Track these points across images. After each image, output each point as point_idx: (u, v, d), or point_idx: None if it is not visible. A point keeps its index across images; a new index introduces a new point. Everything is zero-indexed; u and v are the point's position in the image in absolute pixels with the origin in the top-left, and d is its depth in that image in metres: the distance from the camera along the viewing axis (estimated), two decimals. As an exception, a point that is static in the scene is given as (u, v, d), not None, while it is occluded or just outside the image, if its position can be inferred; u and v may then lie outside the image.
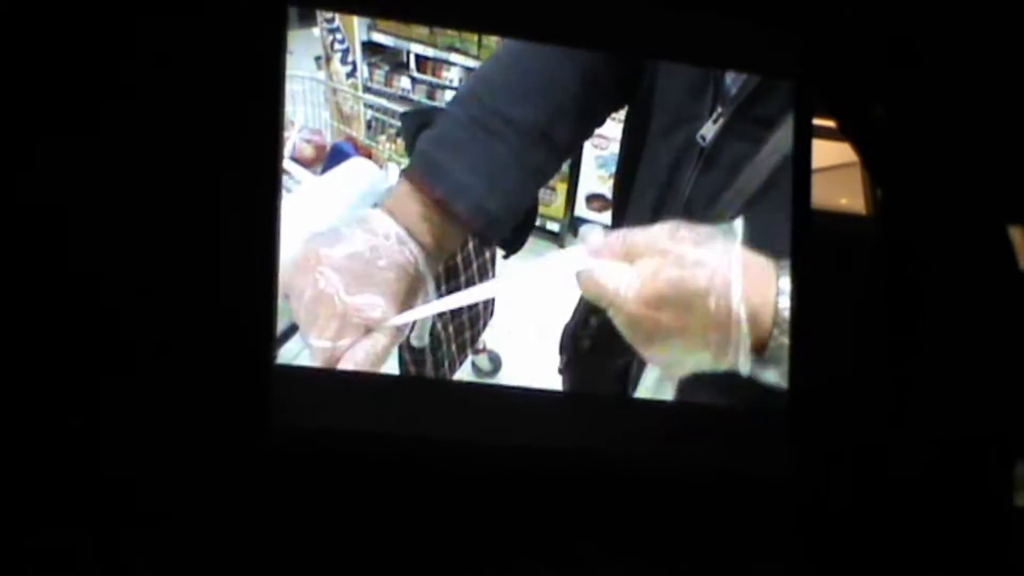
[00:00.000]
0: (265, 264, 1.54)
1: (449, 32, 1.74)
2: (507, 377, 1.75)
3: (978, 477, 1.73)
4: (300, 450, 1.56)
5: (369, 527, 1.58)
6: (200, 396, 1.54)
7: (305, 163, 1.65)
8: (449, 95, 1.74)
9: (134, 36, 1.58)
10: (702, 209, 1.58)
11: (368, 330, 1.48)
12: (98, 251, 1.55)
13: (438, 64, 1.76)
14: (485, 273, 1.67)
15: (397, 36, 1.77)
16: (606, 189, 1.74)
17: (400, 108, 1.74)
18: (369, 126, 1.73)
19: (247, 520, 1.52)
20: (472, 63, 1.73)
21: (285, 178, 1.60)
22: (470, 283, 1.65)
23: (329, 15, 1.73)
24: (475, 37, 1.73)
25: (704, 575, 1.68)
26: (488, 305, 1.70)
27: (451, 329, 1.66)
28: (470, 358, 1.77)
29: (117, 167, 1.57)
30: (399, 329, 1.50)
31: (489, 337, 1.77)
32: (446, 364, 1.69)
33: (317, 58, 1.73)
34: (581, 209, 1.74)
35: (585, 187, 1.74)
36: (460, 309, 1.64)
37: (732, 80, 1.62)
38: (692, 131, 1.59)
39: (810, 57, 1.76)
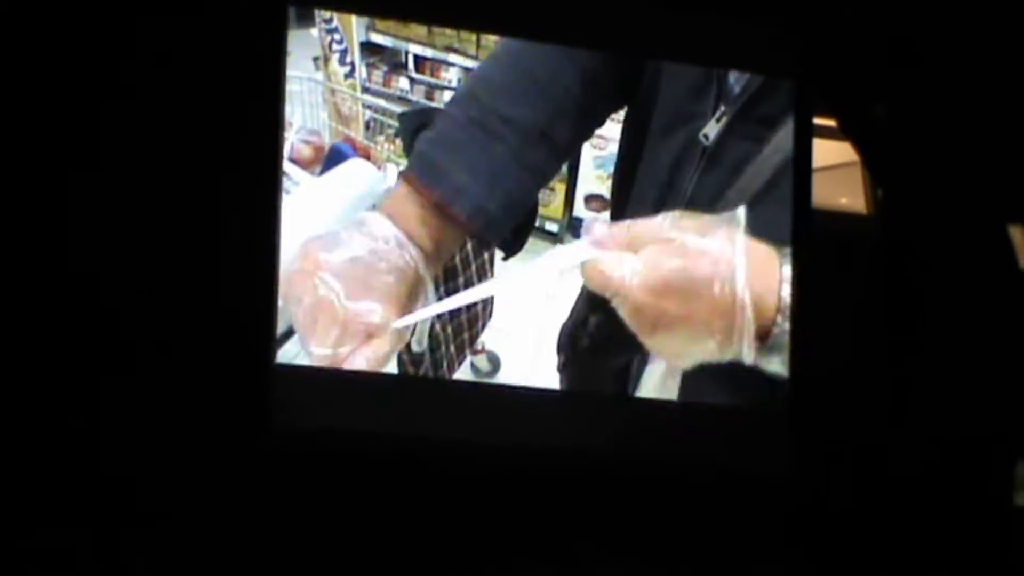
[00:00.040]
0: (265, 264, 1.54)
1: (447, 32, 1.74)
2: (506, 378, 1.76)
3: (978, 477, 1.73)
4: (300, 450, 1.57)
5: (369, 527, 1.58)
6: (200, 396, 1.54)
7: (303, 164, 1.65)
8: (448, 95, 1.74)
9: (134, 36, 1.58)
10: (704, 208, 1.56)
11: (369, 336, 1.48)
12: (98, 251, 1.55)
13: (436, 64, 1.75)
14: (484, 273, 1.67)
15: (395, 36, 1.77)
16: (604, 189, 1.74)
17: (399, 108, 1.74)
18: (367, 127, 1.73)
19: (247, 520, 1.52)
20: (471, 63, 1.73)
21: (283, 179, 1.60)
22: (469, 284, 1.65)
23: (327, 15, 1.72)
24: (473, 37, 1.73)
25: (704, 575, 1.68)
26: (487, 306, 1.70)
27: (449, 330, 1.66)
28: (469, 359, 1.77)
29: (117, 167, 1.57)
30: (399, 335, 1.50)
31: (488, 338, 1.77)
32: (445, 365, 1.69)
33: (315, 58, 1.73)
34: (580, 209, 1.74)
35: (583, 187, 1.74)
36: (459, 310, 1.64)
37: (736, 79, 1.62)
38: (694, 130, 1.58)
39: (810, 57, 1.76)
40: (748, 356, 1.45)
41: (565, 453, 1.66)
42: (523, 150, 1.53)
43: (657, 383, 1.69)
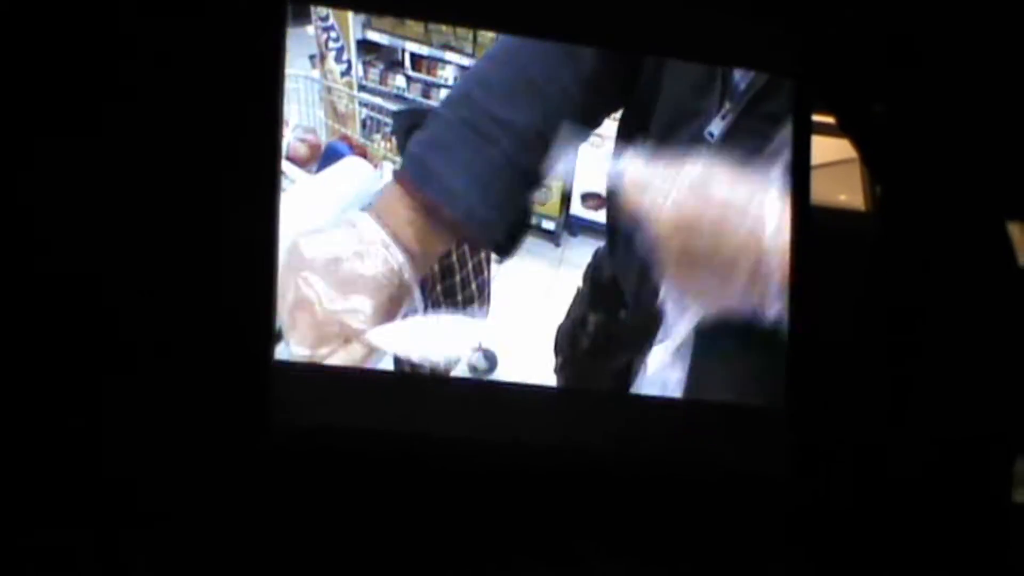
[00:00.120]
0: (264, 263, 1.55)
1: (444, 30, 1.74)
2: (502, 376, 1.75)
3: (977, 474, 1.73)
4: (299, 448, 1.57)
5: (368, 524, 1.58)
6: (200, 395, 1.54)
7: (299, 162, 1.65)
8: (444, 93, 1.73)
9: (134, 36, 1.58)
10: None
11: (346, 340, 1.48)
12: (98, 251, 1.56)
13: (433, 62, 1.75)
14: (480, 272, 1.67)
15: (392, 34, 1.76)
16: (601, 187, 1.73)
17: (395, 107, 1.74)
18: (364, 125, 1.73)
19: (247, 519, 1.52)
20: (467, 61, 1.72)
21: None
22: (464, 283, 1.65)
23: (324, 13, 1.72)
24: (470, 35, 1.72)
25: (704, 574, 1.68)
26: (483, 305, 1.70)
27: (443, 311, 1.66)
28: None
29: (117, 167, 1.57)
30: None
31: (483, 335, 1.76)
32: (441, 362, 1.69)
33: (311, 56, 1.73)
34: (577, 207, 1.74)
35: (581, 185, 1.73)
36: (454, 306, 1.64)
37: (741, 76, 1.62)
38: (698, 128, 1.59)
39: (810, 55, 1.75)
40: (772, 309, 1.47)
41: (563, 451, 1.66)
42: (517, 152, 1.53)
43: (662, 371, 1.68)
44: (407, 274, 1.50)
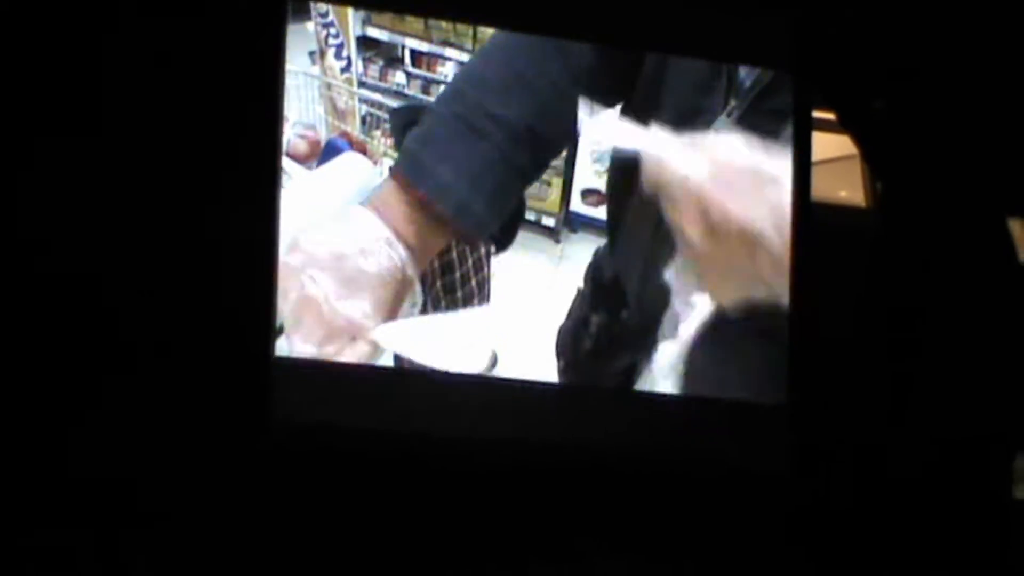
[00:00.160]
0: (264, 261, 1.54)
1: (444, 26, 1.73)
2: (503, 374, 1.75)
3: (978, 471, 1.73)
4: (300, 446, 1.57)
5: (369, 522, 1.58)
6: (200, 393, 1.54)
7: (299, 159, 1.64)
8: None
9: (133, 35, 1.58)
10: None
11: (353, 338, 1.48)
12: (98, 251, 1.55)
13: (433, 59, 1.74)
14: (480, 268, 1.67)
15: (392, 31, 1.76)
16: (601, 183, 1.73)
17: (395, 103, 1.73)
18: (364, 121, 1.72)
19: (247, 518, 1.52)
20: (467, 57, 1.72)
21: (278, 174, 1.60)
22: (464, 279, 1.65)
23: (323, 9, 1.71)
24: (470, 31, 1.72)
25: (704, 572, 1.68)
26: (483, 302, 1.70)
27: (443, 306, 1.65)
28: (464, 353, 1.76)
29: (117, 166, 1.57)
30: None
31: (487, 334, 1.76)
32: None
33: (311, 53, 1.72)
34: (576, 204, 1.73)
35: (580, 182, 1.73)
36: (455, 305, 1.64)
37: (747, 73, 1.62)
38: (704, 126, 1.58)
39: (809, 51, 1.75)
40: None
41: (565, 448, 1.66)
42: (510, 148, 1.53)
43: (670, 364, 1.68)
44: (409, 270, 1.50)
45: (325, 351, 1.49)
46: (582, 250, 1.71)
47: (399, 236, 1.49)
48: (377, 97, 1.74)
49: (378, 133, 1.71)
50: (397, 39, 1.76)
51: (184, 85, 1.59)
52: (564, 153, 1.71)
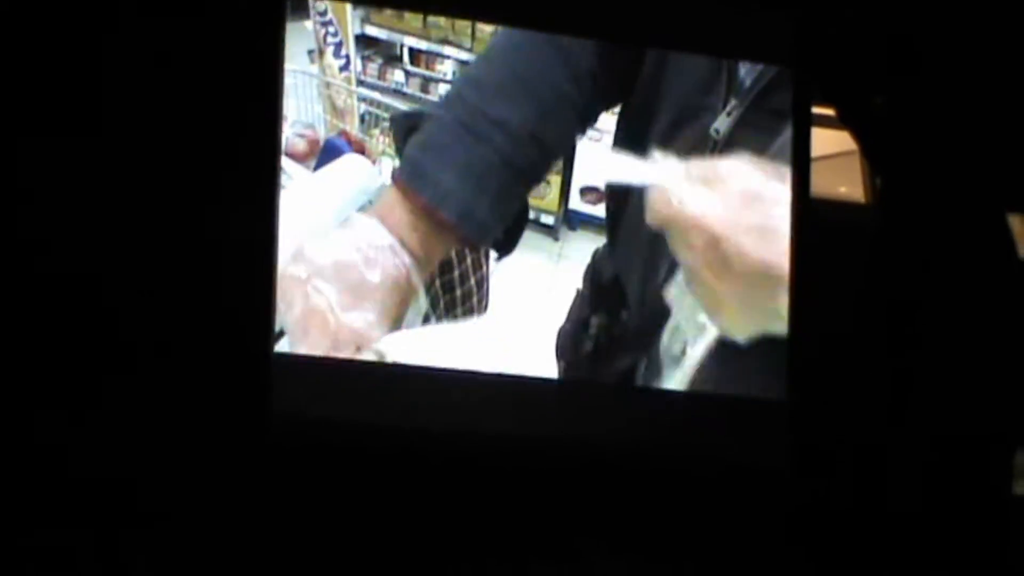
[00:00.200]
0: (264, 258, 1.54)
1: (442, 24, 1.73)
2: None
3: (978, 466, 1.73)
4: (299, 443, 1.57)
5: (369, 517, 1.58)
6: (200, 392, 1.54)
7: (297, 158, 1.64)
8: (443, 88, 1.74)
9: (133, 35, 1.58)
10: None
11: (358, 348, 1.49)
12: (98, 250, 1.55)
13: (431, 57, 1.74)
14: (478, 267, 1.67)
15: (391, 29, 1.76)
16: (600, 182, 1.73)
17: (394, 102, 1.73)
18: (362, 120, 1.72)
19: (247, 517, 1.53)
20: (466, 56, 1.72)
21: (276, 174, 1.60)
22: (463, 278, 1.65)
23: (322, 8, 1.71)
24: (468, 29, 1.72)
25: (703, 570, 1.68)
26: (481, 300, 1.70)
27: (442, 305, 1.65)
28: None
29: (117, 166, 1.57)
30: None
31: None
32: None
33: (310, 51, 1.73)
34: (575, 202, 1.73)
35: (579, 179, 1.73)
36: (453, 304, 1.64)
37: (747, 71, 1.61)
38: (704, 125, 1.58)
39: (809, 47, 1.75)
40: None
41: (565, 444, 1.66)
42: (512, 152, 1.53)
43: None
44: (414, 278, 1.51)
45: None
46: (581, 248, 1.71)
47: (403, 244, 1.49)
48: (376, 95, 1.75)
49: (377, 131, 1.71)
50: (396, 37, 1.76)
51: (184, 85, 1.59)
52: (562, 152, 1.71)
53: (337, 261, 1.48)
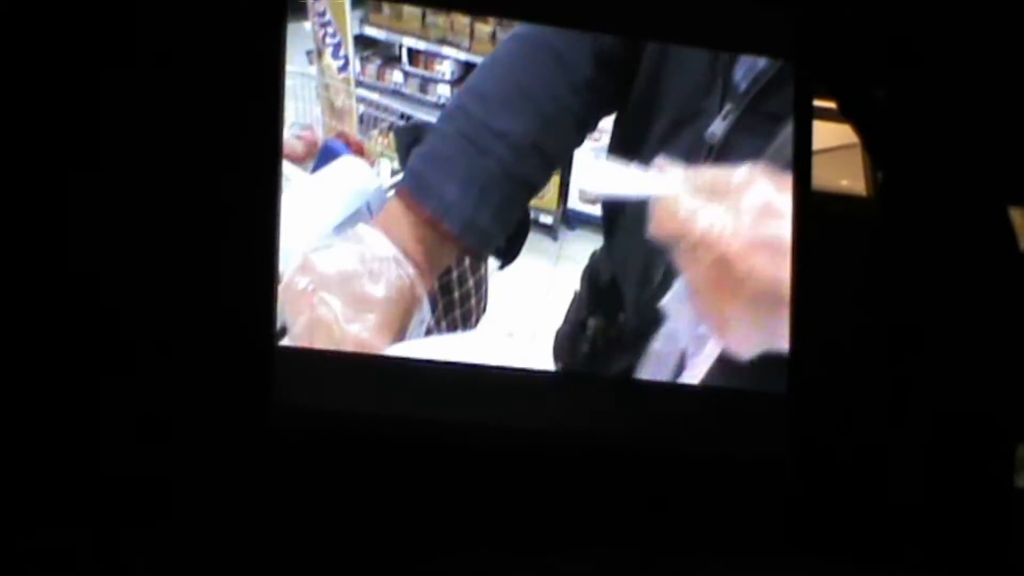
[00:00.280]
0: (266, 255, 1.56)
1: (440, 24, 1.73)
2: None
3: (979, 459, 1.72)
4: (301, 435, 1.58)
5: (370, 509, 1.60)
6: (200, 391, 1.55)
7: (295, 159, 1.65)
8: (441, 88, 1.74)
9: (134, 35, 1.59)
10: None
11: None
12: (99, 249, 1.56)
13: (430, 57, 1.75)
14: (477, 268, 1.67)
15: (389, 29, 1.76)
16: (599, 185, 1.72)
17: (393, 102, 1.74)
18: (361, 120, 1.72)
19: (250, 511, 1.54)
20: (464, 56, 1.73)
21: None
22: (462, 279, 1.65)
23: (321, 8, 1.72)
24: (467, 30, 1.72)
25: (703, 565, 1.67)
26: (480, 301, 1.70)
27: (444, 325, 1.66)
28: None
29: (117, 167, 1.58)
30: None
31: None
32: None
33: (308, 52, 1.72)
34: (574, 201, 1.73)
35: (578, 179, 1.72)
36: (452, 306, 1.65)
37: (742, 75, 1.61)
38: (699, 129, 1.58)
39: (811, 40, 1.74)
40: None
41: (563, 435, 1.68)
42: (513, 163, 1.54)
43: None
44: (418, 289, 1.53)
45: None
46: (580, 248, 1.71)
47: (407, 255, 1.51)
48: (375, 97, 1.75)
49: (375, 132, 1.72)
50: (394, 38, 1.76)
51: (185, 85, 1.60)
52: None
53: (342, 273, 1.50)
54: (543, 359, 1.69)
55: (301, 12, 1.72)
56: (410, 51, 1.76)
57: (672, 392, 1.69)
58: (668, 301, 1.53)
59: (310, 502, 1.57)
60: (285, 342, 1.56)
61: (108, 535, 1.43)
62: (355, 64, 1.75)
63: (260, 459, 1.56)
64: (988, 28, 1.69)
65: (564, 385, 1.72)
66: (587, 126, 1.65)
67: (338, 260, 1.50)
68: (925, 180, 1.75)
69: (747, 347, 1.51)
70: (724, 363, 1.54)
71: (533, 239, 1.69)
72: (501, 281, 1.70)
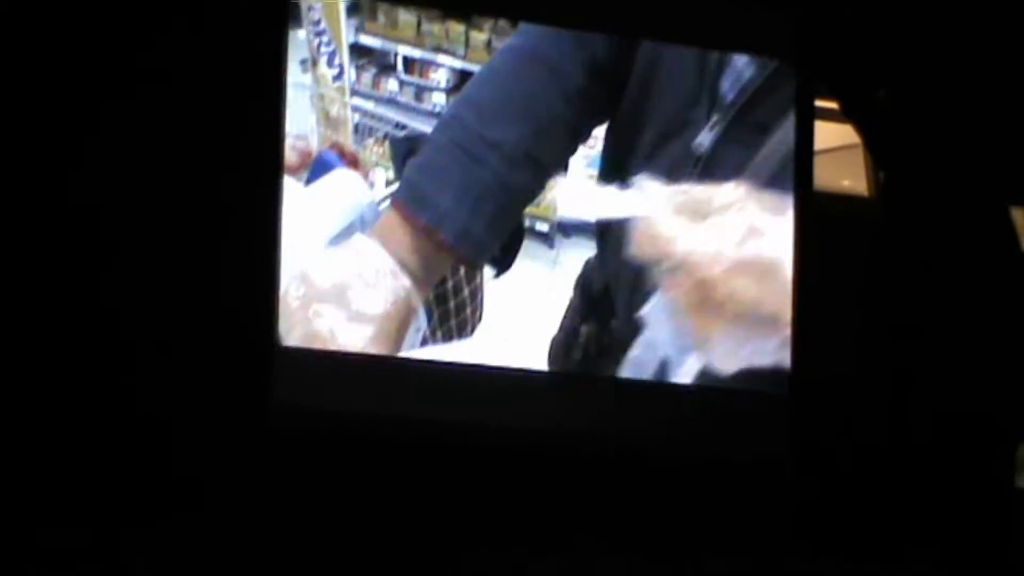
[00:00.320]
0: (267, 254, 1.58)
1: (436, 32, 1.74)
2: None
3: (980, 459, 1.69)
4: (301, 437, 1.60)
5: (370, 508, 1.62)
6: (201, 392, 1.58)
7: (289, 170, 1.64)
8: (437, 97, 1.74)
9: (136, 39, 1.61)
10: None
11: None
12: (99, 247, 1.59)
13: (425, 65, 1.75)
14: (473, 276, 1.69)
15: (385, 38, 1.76)
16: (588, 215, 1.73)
17: (388, 111, 1.74)
18: (356, 129, 1.73)
19: (247, 515, 1.56)
20: (460, 64, 1.73)
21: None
22: (457, 288, 1.67)
23: (316, 17, 1.72)
24: (462, 37, 1.72)
25: (703, 564, 1.67)
26: (475, 311, 1.71)
27: (439, 334, 1.67)
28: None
29: (118, 167, 1.60)
30: None
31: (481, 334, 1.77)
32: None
33: (303, 61, 1.72)
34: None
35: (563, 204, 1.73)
36: (447, 315, 1.67)
37: (729, 86, 1.61)
38: (687, 140, 1.60)
39: (812, 40, 1.72)
40: None
41: (561, 435, 1.69)
42: (507, 173, 1.56)
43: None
44: (414, 300, 1.55)
45: None
46: (576, 255, 1.72)
47: (403, 266, 1.53)
48: (370, 106, 1.75)
49: (371, 142, 1.72)
50: (389, 46, 1.76)
51: (185, 86, 1.62)
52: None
53: (337, 285, 1.52)
54: (539, 366, 1.71)
55: (296, 21, 1.72)
56: (405, 59, 1.76)
57: (672, 392, 1.69)
58: (648, 310, 1.53)
59: (310, 502, 1.59)
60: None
61: (108, 535, 1.45)
62: (350, 73, 1.76)
63: (261, 459, 1.58)
64: (988, 28, 1.65)
65: (564, 385, 1.73)
66: (580, 135, 1.66)
67: (333, 272, 1.52)
68: (927, 180, 1.73)
69: (729, 363, 1.51)
70: (706, 375, 1.53)
71: (529, 247, 1.70)
72: (497, 291, 1.71)
